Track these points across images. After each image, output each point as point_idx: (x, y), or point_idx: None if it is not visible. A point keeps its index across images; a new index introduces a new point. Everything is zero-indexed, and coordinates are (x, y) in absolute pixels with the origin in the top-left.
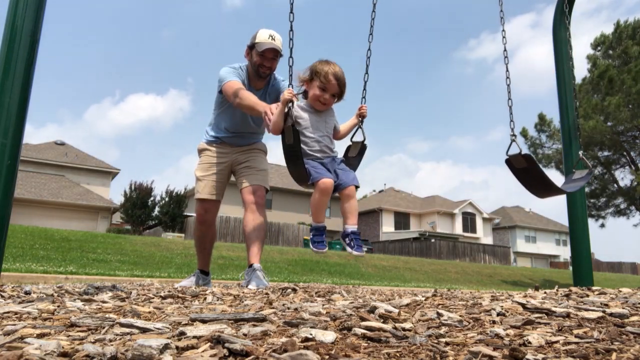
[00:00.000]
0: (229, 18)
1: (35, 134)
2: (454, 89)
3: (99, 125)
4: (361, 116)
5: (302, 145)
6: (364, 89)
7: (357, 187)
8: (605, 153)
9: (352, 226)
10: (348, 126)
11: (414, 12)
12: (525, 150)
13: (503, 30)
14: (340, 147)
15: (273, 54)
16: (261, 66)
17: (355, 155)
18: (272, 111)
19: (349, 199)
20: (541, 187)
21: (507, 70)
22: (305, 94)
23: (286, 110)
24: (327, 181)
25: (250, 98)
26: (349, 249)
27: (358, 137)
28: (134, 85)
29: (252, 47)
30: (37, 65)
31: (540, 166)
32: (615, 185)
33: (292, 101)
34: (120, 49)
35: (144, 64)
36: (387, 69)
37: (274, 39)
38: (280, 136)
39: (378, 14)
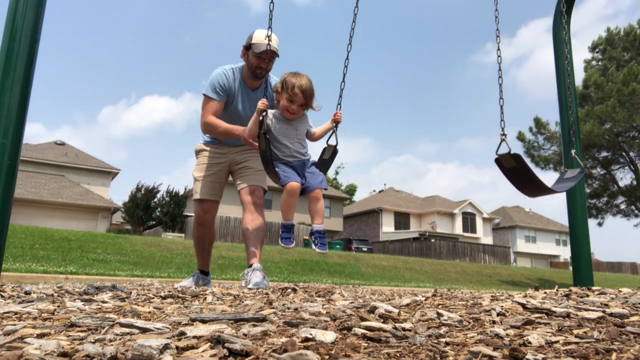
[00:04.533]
0: (254, 24)
1: (48, 135)
2: (469, 92)
3: (112, 127)
4: (335, 122)
5: (275, 150)
6: (340, 96)
7: (324, 189)
8: (604, 154)
9: (317, 226)
10: (323, 130)
11: (433, 15)
12: (521, 154)
13: (497, 29)
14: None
15: (270, 56)
16: (258, 68)
17: (327, 157)
18: (249, 139)
19: (316, 201)
20: (531, 186)
21: (500, 70)
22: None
23: (260, 118)
24: (294, 184)
25: (222, 126)
26: (313, 246)
27: (332, 141)
28: (150, 87)
29: (248, 47)
30: (54, 68)
31: (530, 166)
32: (615, 186)
33: (265, 111)
34: (141, 51)
35: (163, 66)
36: (402, 71)
37: (271, 40)
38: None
39: (396, 16)
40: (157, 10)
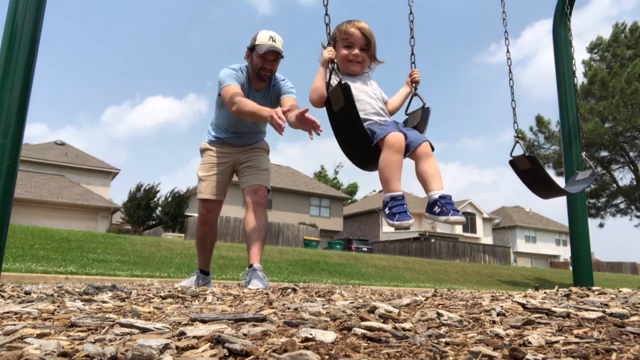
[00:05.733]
0: (260, 25)
1: (51, 136)
2: (472, 92)
3: (115, 128)
4: (414, 82)
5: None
6: (412, 54)
7: (432, 146)
8: (604, 153)
9: (438, 191)
10: (400, 96)
11: (436, 14)
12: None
13: (506, 32)
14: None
15: (274, 56)
16: (262, 69)
17: (416, 124)
18: (279, 115)
19: (426, 157)
20: (544, 188)
21: (510, 72)
22: (338, 67)
23: (329, 70)
24: (397, 135)
25: (250, 104)
26: (443, 217)
27: (414, 107)
28: (154, 88)
29: (252, 49)
30: (58, 68)
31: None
32: (615, 185)
33: (333, 60)
34: (146, 52)
35: (167, 67)
36: (405, 71)
37: (275, 41)
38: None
39: (399, 15)
40: (163, 11)
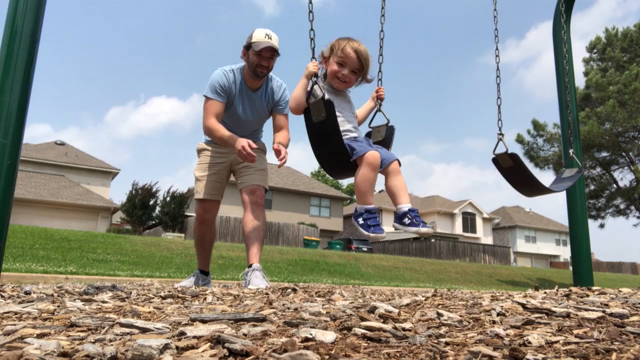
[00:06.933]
0: (266, 27)
1: (55, 136)
2: (476, 93)
3: (119, 128)
4: (379, 98)
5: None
6: (380, 71)
7: (400, 163)
8: (604, 154)
9: (407, 204)
10: (365, 110)
11: (440, 15)
12: (520, 155)
13: (496, 29)
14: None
15: (270, 53)
16: (259, 66)
17: (381, 139)
18: (247, 151)
19: (396, 174)
20: (528, 186)
21: (498, 69)
22: (325, 75)
23: (311, 84)
24: (375, 153)
25: (221, 131)
26: (413, 227)
27: (378, 122)
28: (159, 88)
29: (248, 47)
30: (62, 69)
31: (527, 166)
32: (615, 186)
33: (316, 74)
34: (152, 52)
35: (173, 68)
36: (408, 72)
37: (271, 38)
38: (302, 116)
39: (403, 15)
40: (169, 11)
